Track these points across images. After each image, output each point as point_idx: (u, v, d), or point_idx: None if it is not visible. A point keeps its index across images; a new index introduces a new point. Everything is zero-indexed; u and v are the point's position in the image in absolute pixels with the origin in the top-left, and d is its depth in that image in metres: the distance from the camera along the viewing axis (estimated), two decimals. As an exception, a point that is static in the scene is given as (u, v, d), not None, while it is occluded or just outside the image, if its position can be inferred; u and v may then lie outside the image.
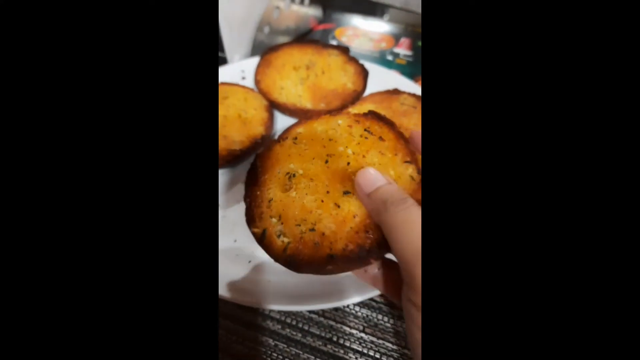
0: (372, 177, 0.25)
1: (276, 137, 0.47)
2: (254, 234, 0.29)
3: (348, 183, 0.28)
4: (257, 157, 0.32)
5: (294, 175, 0.29)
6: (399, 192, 0.24)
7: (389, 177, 0.26)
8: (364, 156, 0.29)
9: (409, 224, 0.22)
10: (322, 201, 0.28)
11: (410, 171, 0.28)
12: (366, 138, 0.29)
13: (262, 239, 0.28)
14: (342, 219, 0.27)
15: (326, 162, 0.29)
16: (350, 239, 0.26)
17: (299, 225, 0.27)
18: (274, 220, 0.28)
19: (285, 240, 0.27)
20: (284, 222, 0.28)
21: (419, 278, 0.20)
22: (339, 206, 0.27)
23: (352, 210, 0.27)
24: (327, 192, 0.28)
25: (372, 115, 0.31)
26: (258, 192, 0.30)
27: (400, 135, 0.30)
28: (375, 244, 0.25)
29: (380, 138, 0.29)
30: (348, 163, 0.28)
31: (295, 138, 0.31)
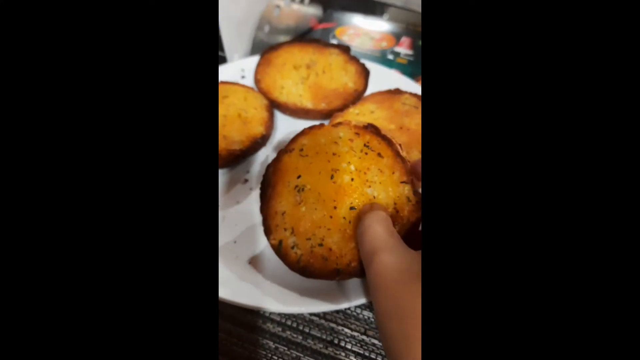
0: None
1: (276, 137, 0.47)
2: (272, 245, 0.31)
3: (354, 198, 0.29)
4: (268, 168, 0.33)
5: (302, 189, 0.31)
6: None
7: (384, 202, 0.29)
8: (365, 173, 0.30)
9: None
10: (331, 217, 0.29)
11: (407, 191, 0.30)
12: (366, 153, 0.31)
13: (279, 250, 0.30)
14: (348, 236, 0.29)
15: (332, 177, 0.30)
16: (354, 256, 0.28)
17: (309, 239, 0.29)
18: (287, 232, 0.30)
19: (299, 252, 0.29)
20: (296, 235, 0.30)
21: None
22: (350, 222, 0.29)
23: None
24: (335, 207, 0.29)
25: (371, 128, 0.32)
26: (272, 204, 0.31)
27: (397, 153, 0.31)
28: None
29: (379, 154, 0.31)
30: (352, 179, 0.30)
31: (302, 149, 0.32)
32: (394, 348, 0.21)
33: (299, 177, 0.31)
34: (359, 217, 0.28)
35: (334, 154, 0.31)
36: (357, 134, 0.31)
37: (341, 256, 0.28)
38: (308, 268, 0.29)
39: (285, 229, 0.30)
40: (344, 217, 0.29)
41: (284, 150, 0.33)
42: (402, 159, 0.30)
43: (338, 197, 0.29)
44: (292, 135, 0.41)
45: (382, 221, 0.26)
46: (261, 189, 0.33)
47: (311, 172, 0.31)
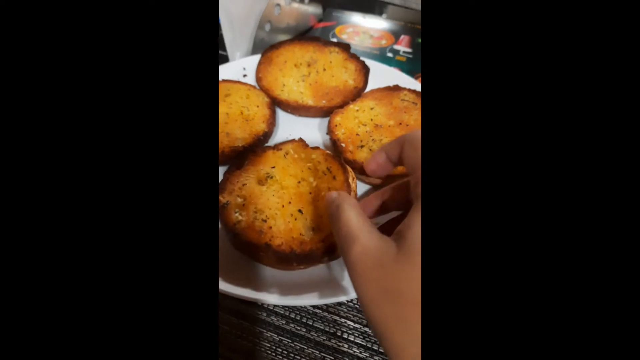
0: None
1: (278, 134, 0.48)
2: (218, 201, 0.36)
3: (304, 205, 0.35)
4: (250, 152, 0.40)
5: (271, 177, 0.37)
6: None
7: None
8: (322, 191, 0.36)
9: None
10: (283, 206, 0.35)
11: None
12: (325, 174, 0.38)
13: (223, 208, 0.36)
14: (291, 227, 0.34)
15: (299, 182, 0.37)
16: (287, 242, 0.33)
17: (256, 212, 0.35)
18: (239, 199, 0.36)
19: (240, 218, 0.35)
20: (246, 205, 0.36)
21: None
22: (295, 219, 0.35)
23: (300, 227, 0.34)
24: (289, 202, 0.36)
25: (336, 158, 0.39)
26: (238, 173, 0.38)
27: (346, 179, 0.37)
28: (302, 257, 0.32)
29: (334, 177, 0.37)
30: (310, 192, 0.36)
31: (287, 153, 0.39)
32: (388, 333, 0.21)
33: (273, 167, 0.38)
34: (327, 201, 0.29)
35: (308, 168, 0.39)
36: (325, 159, 0.39)
37: (276, 237, 0.33)
38: (240, 233, 0.34)
39: (238, 196, 0.36)
40: (292, 214, 0.35)
41: (272, 146, 0.40)
42: (348, 185, 0.37)
43: (295, 198, 0.36)
44: (293, 132, 0.49)
45: (355, 206, 0.27)
46: (234, 160, 0.40)
47: (285, 171, 0.38)
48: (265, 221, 0.34)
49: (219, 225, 0.35)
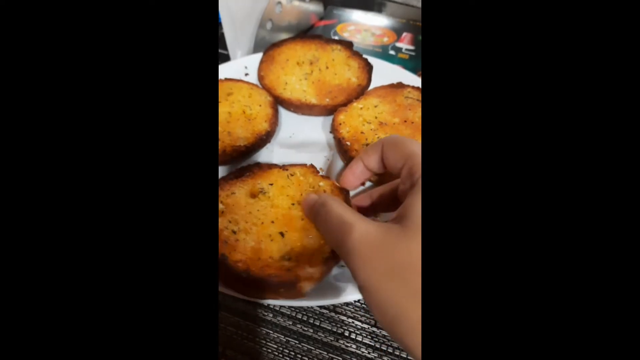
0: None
1: (281, 134, 0.47)
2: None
3: (289, 230, 0.32)
4: (256, 164, 0.38)
5: (265, 193, 0.35)
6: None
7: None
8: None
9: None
10: (263, 223, 0.32)
11: None
12: None
13: None
14: (262, 247, 0.31)
15: (292, 204, 0.34)
16: (247, 261, 0.29)
17: (230, 222, 0.32)
18: (221, 205, 0.34)
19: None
20: (224, 212, 0.33)
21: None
22: (271, 240, 0.31)
23: (273, 251, 0.30)
24: (272, 221, 0.32)
25: (343, 192, 0.35)
26: (231, 182, 0.36)
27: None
28: (253, 280, 0.28)
29: None
30: (302, 219, 0.32)
31: (292, 175, 0.36)
32: (401, 310, 0.20)
33: (270, 184, 0.35)
34: (308, 203, 0.30)
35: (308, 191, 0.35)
36: (332, 191, 0.35)
37: (237, 252, 0.30)
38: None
39: (220, 202, 0.34)
40: (270, 235, 0.31)
41: (280, 165, 0.38)
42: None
43: (281, 219, 0.33)
44: (297, 132, 0.48)
45: (341, 202, 0.27)
46: (237, 169, 0.37)
47: (282, 191, 0.35)
48: (235, 232, 0.31)
49: None
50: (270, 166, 0.38)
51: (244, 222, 0.32)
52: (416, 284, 0.20)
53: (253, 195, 0.35)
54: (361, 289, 0.23)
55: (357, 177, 0.33)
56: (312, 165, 0.37)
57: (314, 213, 0.28)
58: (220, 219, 0.32)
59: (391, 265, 0.21)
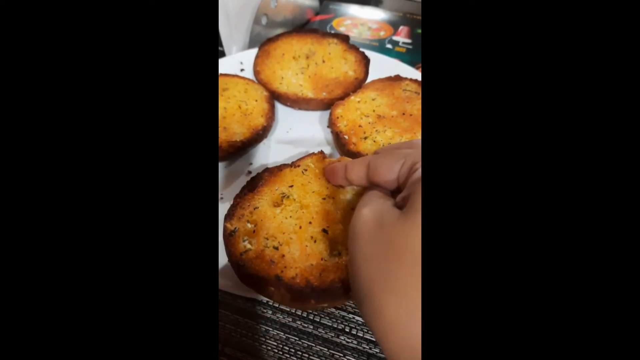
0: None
1: (277, 129, 0.47)
2: (225, 227, 0.31)
3: (330, 225, 0.30)
4: (265, 170, 0.35)
5: (288, 197, 0.32)
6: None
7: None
8: (352, 209, 0.29)
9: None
10: (300, 227, 0.30)
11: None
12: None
13: (230, 236, 0.30)
14: (308, 253, 0.28)
15: (323, 199, 0.31)
16: (303, 273, 0.28)
17: (267, 239, 0.29)
18: (249, 225, 0.31)
19: (248, 246, 0.30)
20: (257, 231, 0.30)
21: None
22: (315, 242, 0.29)
23: (322, 251, 0.28)
24: (310, 222, 0.30)
25: None
26: (250, 196, 0.33)
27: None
28: (320, 292, 0.27)
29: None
30: (342, 209, 0.31)
31: (306, 169, 0.34)
32: (375, 290, 0.20)
33: (291, 186, 0.33)
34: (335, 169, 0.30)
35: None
36: None
37: (289, 267, 0.28)
38: (248, 264, 0.28)
39: (248, 222, 0.31)
40: (312, 236, 0.29)
41: (289, 164, 0.35)
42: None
43: (318, 217, 0.30)
44: (294, 127, 0.47)
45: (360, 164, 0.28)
46: (248, 182, 0.34)
47: (306, 189, 0.32)
48: (277, 248, 0.29)
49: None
50: (280, 167, 0.35)
51: (281, 234, 0.30)
52: (397, 266, 0.19)
53: (277, 204, 0.32)
54: (349, 265, 0.23)
55: (335, 180, 0.32)
56: (321, 152, 0.36)
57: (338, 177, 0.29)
58: (256, 239, 0.30)
59: (378, 246, 0.21)
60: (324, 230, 0.29)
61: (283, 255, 0.28)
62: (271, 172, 0.34)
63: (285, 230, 0.30)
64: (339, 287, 0.27)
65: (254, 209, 0.32)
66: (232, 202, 0.33)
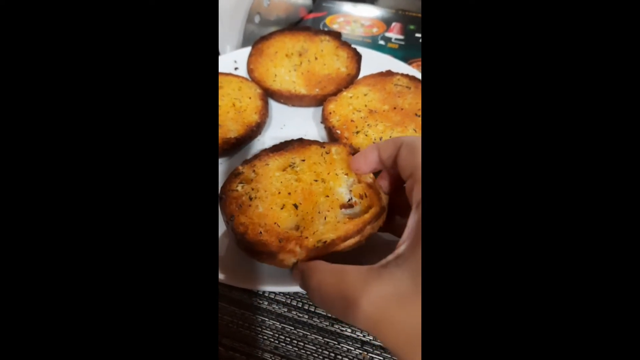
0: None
1: (271, 125, 0.47)
2: (235, 169, 0.36)
3: (304, 203, 0.33)
4: (300, 140, 0.38)
5: (294, 167, 0.36)
6: None
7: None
8: (329, 198, 0.33)
9: None
10: (279, 193, 0.33)
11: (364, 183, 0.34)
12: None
13: (233, 175, 0.35)
14: (268, 214, 0.32)
15: (315, 181, 0.34)
16: (249, 224, 0.31)
17: (252, 189, 0.34)
18: (252, 174, 0.35)
19: (239, 189, 0.34)
20: (253, 180, 0.35)
21: None
22: (282, 207, 0.32)
23: (280, 218, 0.31)
24: (289, 193, 0.33)
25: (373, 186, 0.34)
26: (269, 155, 0.37)
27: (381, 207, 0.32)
28: (248, 243, 0.30)
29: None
30: (327, 196, 0.33)
31: (328, 152, 0.37)
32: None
33: (303, 160, 0.36)
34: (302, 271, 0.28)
35: (338, 174, 0.35)
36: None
37: (247, 216, 0.32)
38: (227, 199, 0.33)
39: (253, 171, 0.35)
40: (284, 204, 0.32)
41: (320, 142, 0.38)
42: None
43: (299, 193, 0.33)
44: (288, 124, 0.48)
45: (329, 268, 0.25)
46: (282, 143, 0.38)
47: (311, 168, 0.35)
48: (251, 199, 0.33)
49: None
50: (311, 142, 0.38)
51: (264, 190, 0.34)
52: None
53: (284, 168, 0.36)
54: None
55: (368, 164, 0.32)
56: (350, 146, 0.38)
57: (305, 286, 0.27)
58: (246, 186, 0.34)
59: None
60: (295, 205, 0.32)
61: (250, 205, 0.33)
62: (302, 143, 0.38)
63: (268, 189, 0.34)
64: (267, 248, 0.30)
65: (265, 164, 0.36)
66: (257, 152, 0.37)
